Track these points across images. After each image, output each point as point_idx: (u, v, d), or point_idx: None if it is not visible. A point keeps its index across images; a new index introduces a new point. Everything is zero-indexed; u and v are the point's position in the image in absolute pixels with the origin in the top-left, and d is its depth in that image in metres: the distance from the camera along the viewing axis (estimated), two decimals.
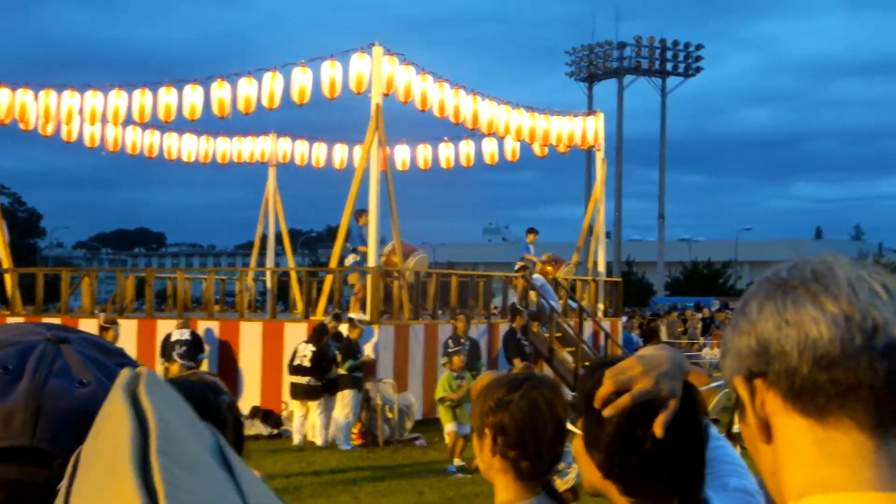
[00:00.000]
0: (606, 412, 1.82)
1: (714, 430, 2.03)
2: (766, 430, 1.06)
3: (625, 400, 1.81)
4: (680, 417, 1.83)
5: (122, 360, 1.12)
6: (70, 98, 20.13)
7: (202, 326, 18.94)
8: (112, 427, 0.79)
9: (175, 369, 16.06)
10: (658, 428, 1.80)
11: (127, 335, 18.17)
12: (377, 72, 17.60)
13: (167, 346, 17.20)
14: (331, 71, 17.74)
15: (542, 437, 2.33)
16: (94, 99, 19.92)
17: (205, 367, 17.43)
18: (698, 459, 1.88)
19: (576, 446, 1.94)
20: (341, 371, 15.57)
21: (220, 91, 18.67)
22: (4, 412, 1.00)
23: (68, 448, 0.96)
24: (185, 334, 17.22)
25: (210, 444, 0.85)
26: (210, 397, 1.90)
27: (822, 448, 1.03)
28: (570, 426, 1.98)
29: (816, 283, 1.05)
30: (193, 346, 17.04)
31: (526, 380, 2.46)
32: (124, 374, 0.85)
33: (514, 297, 21.10)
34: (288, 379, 16.08)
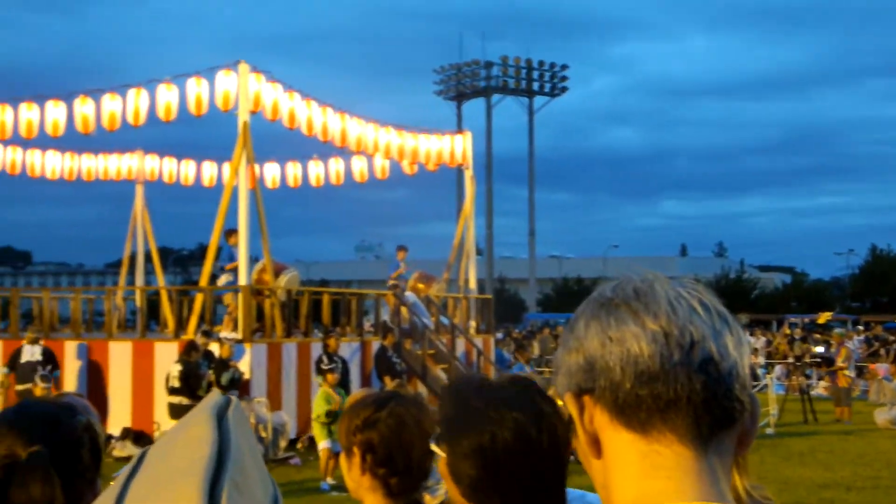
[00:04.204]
0: None
1: None
2: (596, 445, 1.09)
3: None
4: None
5: None
6: None
7: (70, 346, 18.49)
8: (193, 441, 0.84)
9: (38, 392, 15.59)
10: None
11: None
12: (244, 89, 17.52)
13: (22, 367, 16.37)
14: (197, 88, 17.58)
15: (410, 454, 2.37)
16: None
17: (71, 386, 17.02)
18: (560, 495, 1.90)
19: (442, 468, 1.96)
20: (217, 389, 15.40)
21: (84, 107, 18.29)
22: None
23: None
24: (36, 353, 16.52)
25: (271, 493, 0.90)
26: (62, 417, 1.90)
27: (646, 461, 1.06)
28: (433, 447, 1.99)
29: (638, 301, 1.08)
30: (48, 364, 16.37)
31: (392, 398, 2.50)
32: (214, 396, 0.92)
33: (386, 315, 21.18)
34: (165, 399, 15.82)
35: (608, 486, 1.09)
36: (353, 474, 2.42)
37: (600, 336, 1.08)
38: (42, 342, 17.01)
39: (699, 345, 1.05)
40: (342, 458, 2.48)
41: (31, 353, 16.54)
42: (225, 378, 15.51)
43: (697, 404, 1.04)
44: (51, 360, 16.65)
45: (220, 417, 0.87)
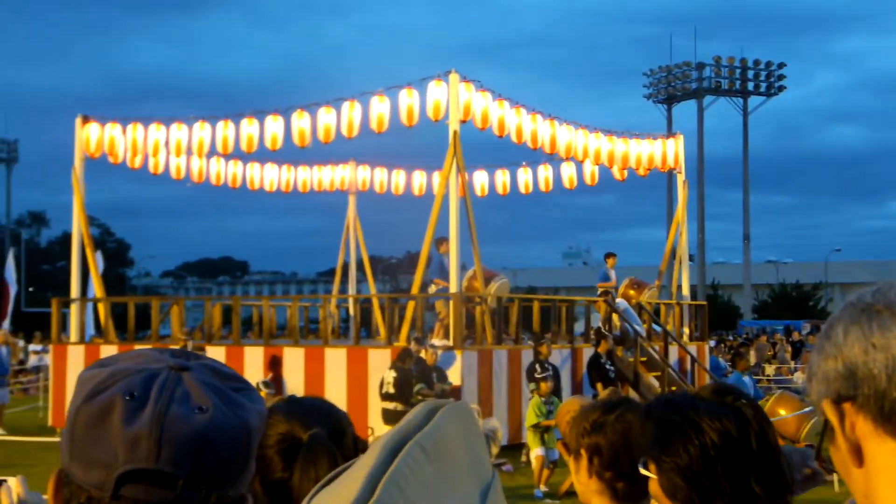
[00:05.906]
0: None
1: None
2: (858, 454, 1.06)
3: None
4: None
5: (239, 384, 1.18)
6: (156, 131, 20.61)
7: (288, 353, 19.14)
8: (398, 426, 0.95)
9: (263, 394, 16.11)
10: None
11: None
12: (454, 99, 17.67)
13: None
14: (408, 99, 17.85)
15: (636, 459, 2.32)
16: (179, 132, 20.35)
17: (293, 392, 17.52)
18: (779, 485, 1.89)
19: (653, 489, 1.96)
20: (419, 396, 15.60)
21: (300, 121, 18.92)
22: (132, 437, 1.08)
23: (189, 471, 1.10)
24: None
25: (484, 479, 0.96)
26: (331, 408, 2.04)
27: None
28: (642, 470, 1.98)
29: None
30: None
31: (620, 403, 2.55)
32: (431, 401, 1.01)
33: (596, 322, 20.94)
34: (379, 405, 16.13)
35: (871, 496, 1.07)
36: (581, 477, 2.47)
37: (862, 342, 1.04)
38: (192, 346, 17.14)
39: None
40: (570, 461, 2.53)
41: None
42: (416, 389, 15.71)
43: None
44: None
45: (432, 410, 0.94)
